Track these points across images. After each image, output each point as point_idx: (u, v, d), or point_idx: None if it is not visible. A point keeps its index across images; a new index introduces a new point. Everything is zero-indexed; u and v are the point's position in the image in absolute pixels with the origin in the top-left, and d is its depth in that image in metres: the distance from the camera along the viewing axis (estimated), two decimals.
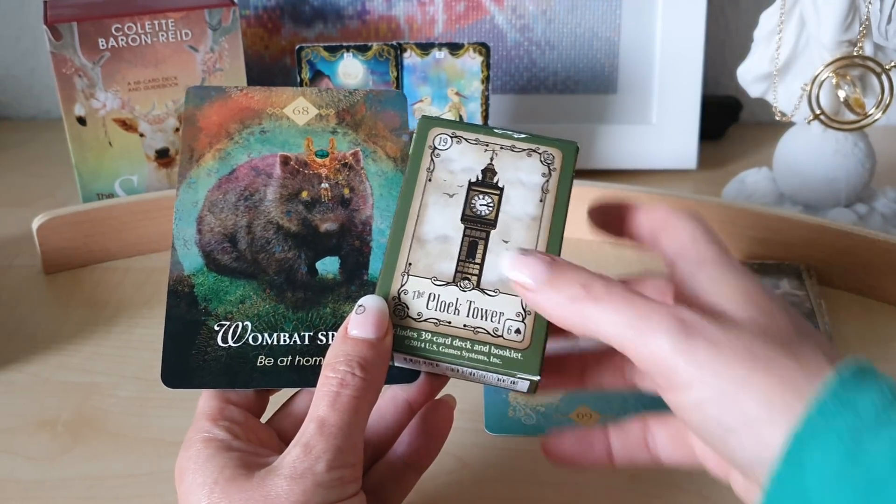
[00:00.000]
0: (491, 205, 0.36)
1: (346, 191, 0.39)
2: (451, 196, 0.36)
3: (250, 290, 0.37)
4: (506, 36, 0.77)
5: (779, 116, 0.66)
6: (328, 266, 0.38)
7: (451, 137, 0.38)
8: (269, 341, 0.36)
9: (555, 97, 0.78)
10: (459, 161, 0.37)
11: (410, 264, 0.35)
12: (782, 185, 0.67)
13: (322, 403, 0.32)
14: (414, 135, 0.38)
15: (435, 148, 0.37)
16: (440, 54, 0.64)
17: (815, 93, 0.62)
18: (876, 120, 0.62)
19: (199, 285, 0.37)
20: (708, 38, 0.83)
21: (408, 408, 0.37)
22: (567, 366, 0.38)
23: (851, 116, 0.63)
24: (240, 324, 0.36)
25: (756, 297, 0.31)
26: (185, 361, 0.35)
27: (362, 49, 0.63)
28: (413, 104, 0.65)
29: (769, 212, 0.61)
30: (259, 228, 0.38)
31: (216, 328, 0.36)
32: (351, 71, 0.64)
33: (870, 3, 0.60)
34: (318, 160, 0.39)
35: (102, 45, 0.62)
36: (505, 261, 0.33)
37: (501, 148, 0.37)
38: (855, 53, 0.61)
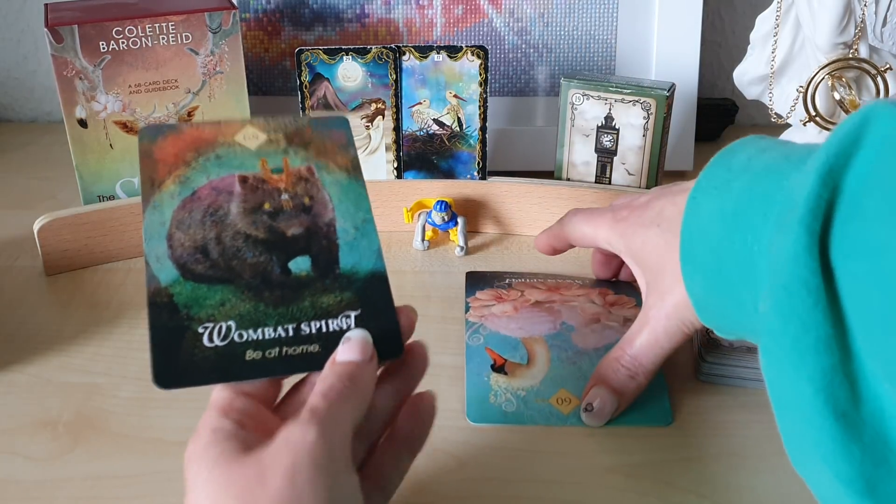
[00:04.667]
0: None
1: (307, 200, 0.41)
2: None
3: (228, 294, 0.38)
4: (504, 39, 0.78)
5: (775, 118, 0.67)
6: (301, 265, 0.40)
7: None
8: (255, 336, 0.37)
9: (552, 99, 0.78)
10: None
11: None
12: None
13: (315, 396, 0.35)
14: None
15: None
16: (439, 57, 0.64)
17: (810, 95, 0.63)
18: None
19: (177, 294, 0.38)
20: (704, 41, 0.84)
21: (396, 395, 0.39)
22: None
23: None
24: (223, 324, 0.37)
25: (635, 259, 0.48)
26: (175, 362, 0.36)
27: (361, 52, 0.64)
28: (412, 106, 0.65)
29: None
30: (228, 238, 0.40)
31: (200, 330, 0.37)
32: (350, 74, 0.64)
33: (865, 5, 0.60)
34: (275, 176, 0.41)
35: (103, 48, 0.62)
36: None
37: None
38: (850, 56, 0.61)
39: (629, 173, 0.66)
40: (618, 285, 0.58)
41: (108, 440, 0.47)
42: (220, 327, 0.37)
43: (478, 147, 0.66)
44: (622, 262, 0.57)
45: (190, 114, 0.66)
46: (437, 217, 0.65)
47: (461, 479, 0.44)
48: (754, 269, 0.37)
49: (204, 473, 0.33)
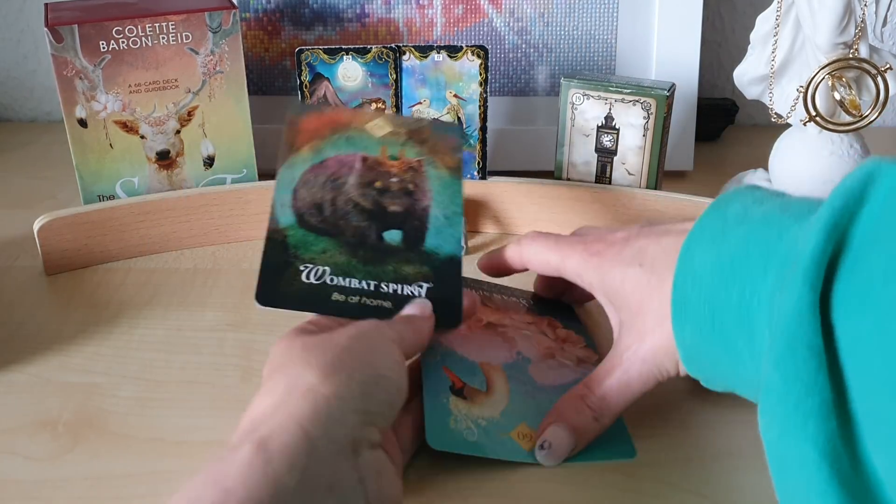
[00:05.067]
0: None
1: (411, 186, 0.49)
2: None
3: (330, 245, 0.47)
4: (504, 39, 0.78)
5: (775, 118, 0.67)
6: (393, 236, 0.48)
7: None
8: (343, 283, 0.45)
9: (552, 99, 0.78)
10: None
11: None
12: (778, 186, 0.67)
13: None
14: None
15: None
16: (439, 57, 0.64)
17: (810, 95, 0.63)
18: (871, 121, 0.63)
19: (290, 236, 0.46)
20: (704, 41, 0.84)
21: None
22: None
23: (847, 118, 0.63)
24: (321, 267, 0.46)
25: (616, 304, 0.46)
26: (277, 288, 0.45)
27: (361, 52, 0.64)
28: (412, 106, 0.65)
29: None
30: (341, 203, 0.48)
31: (301, 268, 0.45)
32: (350, 73, 0.64)
33: (865, 5, 0.60)
34: (391, 162, 0.50)
35: (103, 48, 0.62)
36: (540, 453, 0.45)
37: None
38: (850, 55, 0.61)
39: (629, 173, 0.66)
40: (561, 313, 0.55)
41: (108, 440, 0.47)
42: (318, 269, 0.45)
43: (478, 147, 0.66)
44: (566, 286, 0.54)
45: (190, 113, 0.66)
46: None
47: (461, 478, 0.44)
48: (752, 322, 0.36)
49: (284, 346, 0.40)
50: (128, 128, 0.65)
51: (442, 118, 0.66)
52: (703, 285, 0.39)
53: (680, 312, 0.40)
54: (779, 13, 0.63)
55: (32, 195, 0.74)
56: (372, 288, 0.45)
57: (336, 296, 0.45)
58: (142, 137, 0.66)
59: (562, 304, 0.57)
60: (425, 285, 0.46)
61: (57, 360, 0.53)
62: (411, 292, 0.46)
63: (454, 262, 0.47)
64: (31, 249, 0.64)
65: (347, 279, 0.45)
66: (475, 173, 0.67)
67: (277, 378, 0.38)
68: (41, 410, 0.49)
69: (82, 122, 0.64)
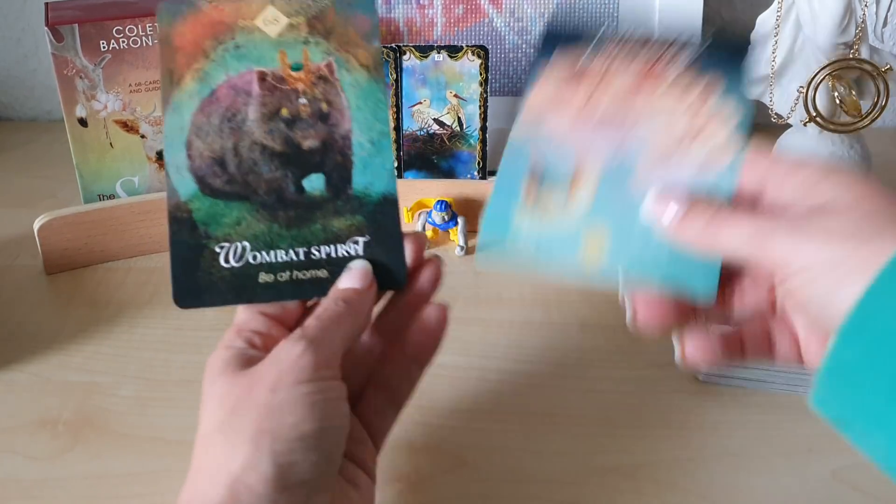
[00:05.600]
0: None
1: (324, 105, 0.40)
2: None
3: (244, 212, 0.40)
4: (504, 38, 0.78)
5: (775, 119, 0.67)
6: (315, 183, 0.40)
7: None
8: (268, 259, 0.39)
9: None
10: None
11: None
12: None
13: (310, 318, 0.37)
14: None
15: None
16: (439, 57, 0.64)
17: (811, 95, 0.63)
18: (871, 122, 0.63)
19: (196, 210, 0.39)
20: None
21: (400, 312, 0.41)
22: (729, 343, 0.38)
23: (847, 119, 0.63)
24: (239, 244, 0.39)
25: (853, 185, 0.34)
26: (194, 282, 0.39)
27: None
28: (412, 106, 0.66)
29: None
30: (245, 150, 0.40)
31: (217, 250, 0.39)
32: None
33: (865, 5, 0.60)
34: (294, 74, 0.41)
35: (104, 47, 0.62)
36: (647, 202, 0.38)
37: None
38: (851, 56, 0.62)
39: None
40: (730, 68, 0.41)
41: (108, 439, 0.47)
42: (236, 247, 0.39)
43: (478, 147, 0.66)
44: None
45: None
46: (438, 217, 0.65)
47: (461, 479, 0.44)
48: None
49: (209, 385, 0.36)
50: (128, 127, 0.65)
51: (442, 118, 0.66)
52: None
53: (857, 325, 0.30)
54: (779, 14, 0.63)
55: (33, 194, 0.74)
56: (302, 257, 0.39)
57: (263, 276, 0.39)
58: (142, 137, 0.66)
59: (738, 53, 0.42)
60: (361, 240, 0.40)
61: (57, 359, 0.53)
62: (346, 252, 0.40)
63: (389, 203, 0.40)
64: (32, 248, 0.64)
65: (272, 252, 0.39)
66: (475, 173, 0.67)
67: (203, 459, 0.35)
68: (41, 409, 0.49)
69: (82, 122, 0.64)
